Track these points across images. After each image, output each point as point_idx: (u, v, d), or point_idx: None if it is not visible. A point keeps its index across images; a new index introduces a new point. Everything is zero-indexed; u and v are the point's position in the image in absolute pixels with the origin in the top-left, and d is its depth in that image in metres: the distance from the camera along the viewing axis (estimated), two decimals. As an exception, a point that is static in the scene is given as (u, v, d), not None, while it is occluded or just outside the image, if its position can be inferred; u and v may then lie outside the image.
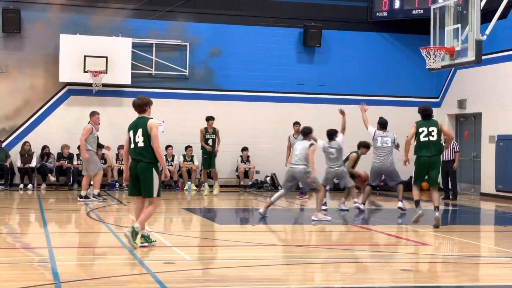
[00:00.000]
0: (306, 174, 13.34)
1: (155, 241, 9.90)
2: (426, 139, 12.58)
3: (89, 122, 16.43)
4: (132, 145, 9.77)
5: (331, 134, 14.97)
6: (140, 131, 9.70)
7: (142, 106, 9.92)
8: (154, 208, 9.84)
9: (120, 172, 20.56)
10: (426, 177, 12.82)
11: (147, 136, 9.67)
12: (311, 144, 13.51)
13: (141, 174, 9.68)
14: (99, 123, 16.68)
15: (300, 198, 18.40)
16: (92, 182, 16.75)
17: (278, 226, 13.22)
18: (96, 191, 16.38)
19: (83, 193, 16.44)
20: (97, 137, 16.65)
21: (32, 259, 9.30)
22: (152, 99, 10.22)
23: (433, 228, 12.37)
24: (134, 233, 9.57)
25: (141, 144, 9.68)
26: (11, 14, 20.15)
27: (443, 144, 13.26)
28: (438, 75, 21.97)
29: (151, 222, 10.32)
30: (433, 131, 12.57)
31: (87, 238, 11.57)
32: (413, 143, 12.85)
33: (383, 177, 15.60)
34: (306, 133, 13.83)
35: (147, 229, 10.03)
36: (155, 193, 9.73)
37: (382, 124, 15.26)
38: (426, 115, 12.80)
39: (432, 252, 10.34)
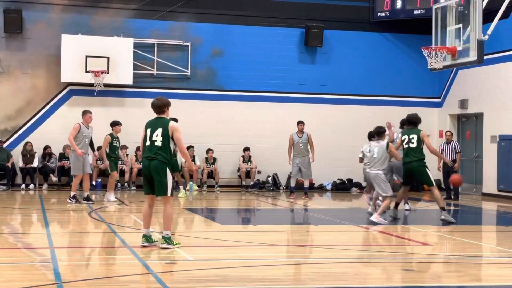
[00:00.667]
0: (380, 179, 13.23)
1: (157, 241, 9.91)
2: (406, 146, 13.46)
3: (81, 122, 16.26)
4: (148, 143, 9.82)
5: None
6: (160, 130, 9.77)
7: (161, 107, 9.99)
8: (170, 207, 9.85)
9: (122, 173, 20.57)
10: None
11: (166, 137, 9.74)
12: (388, 144, 13.47)
13: (155, 172, 9.69)
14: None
15: (305, 198, 18.37)
16: (94, 182, 16.76)
17: (280, 226, 13.20)
18: (72, 193, 16.01)
19: (85, 194, 16.44)
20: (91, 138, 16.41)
21: (34, 259, 9.31)
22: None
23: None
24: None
25: (158, 143, 9.74)
26: (13, 15, 20.16)
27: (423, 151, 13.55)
28: (440, 75, 21.95)
29: (153, 222, 10.32)
30: (413, 138, 13.40)
31: (88, 238, 11.57)
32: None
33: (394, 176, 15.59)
34: (381, 132, 13.60)
35: (150, 229, 10.03)
36: (169, 192, 9.76)
37: (403, 124, 15.29)
38: (410, 123, 13.68)
39: (434, 252, 10.33)
